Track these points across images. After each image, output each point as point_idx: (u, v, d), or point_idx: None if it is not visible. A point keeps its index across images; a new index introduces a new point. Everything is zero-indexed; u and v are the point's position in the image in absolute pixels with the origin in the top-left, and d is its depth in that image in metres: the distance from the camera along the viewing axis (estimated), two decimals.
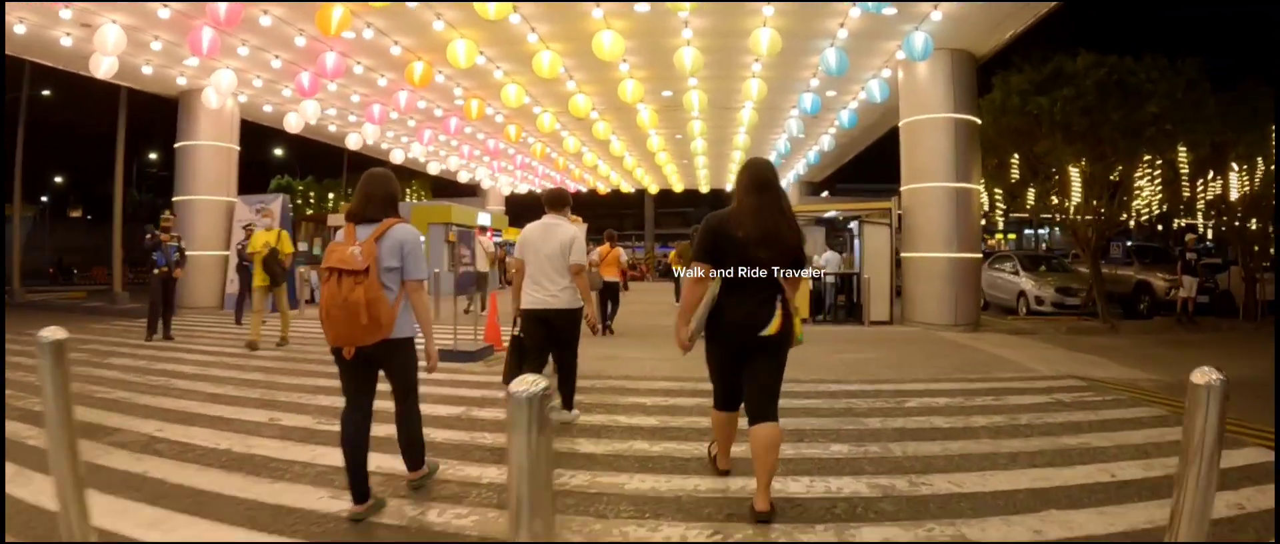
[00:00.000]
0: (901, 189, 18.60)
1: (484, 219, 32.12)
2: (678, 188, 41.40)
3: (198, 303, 21.08)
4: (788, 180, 39.30)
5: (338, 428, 4.93)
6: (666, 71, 18.18)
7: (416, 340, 5.05)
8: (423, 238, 5.25)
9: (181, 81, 20.11)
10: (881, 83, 18.56)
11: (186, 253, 15.00)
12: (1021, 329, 17.45)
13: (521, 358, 6.98)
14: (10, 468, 5.58)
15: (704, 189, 42.44)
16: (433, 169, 33.48)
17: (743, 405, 5.08)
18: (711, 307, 4.92)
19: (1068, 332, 17.17)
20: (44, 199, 58.79)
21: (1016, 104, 18.28)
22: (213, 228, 21.69)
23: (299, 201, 42.95)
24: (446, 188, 43.76)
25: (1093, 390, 9.46)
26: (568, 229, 7.05)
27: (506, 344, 7.52)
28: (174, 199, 21.61)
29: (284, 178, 44.50)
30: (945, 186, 17.43)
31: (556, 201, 7.26)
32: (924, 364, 11.53)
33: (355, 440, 4.82)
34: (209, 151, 21.71)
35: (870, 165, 38.90)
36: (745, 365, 4.98)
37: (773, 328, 4.82)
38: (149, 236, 14.15)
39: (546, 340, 7.07)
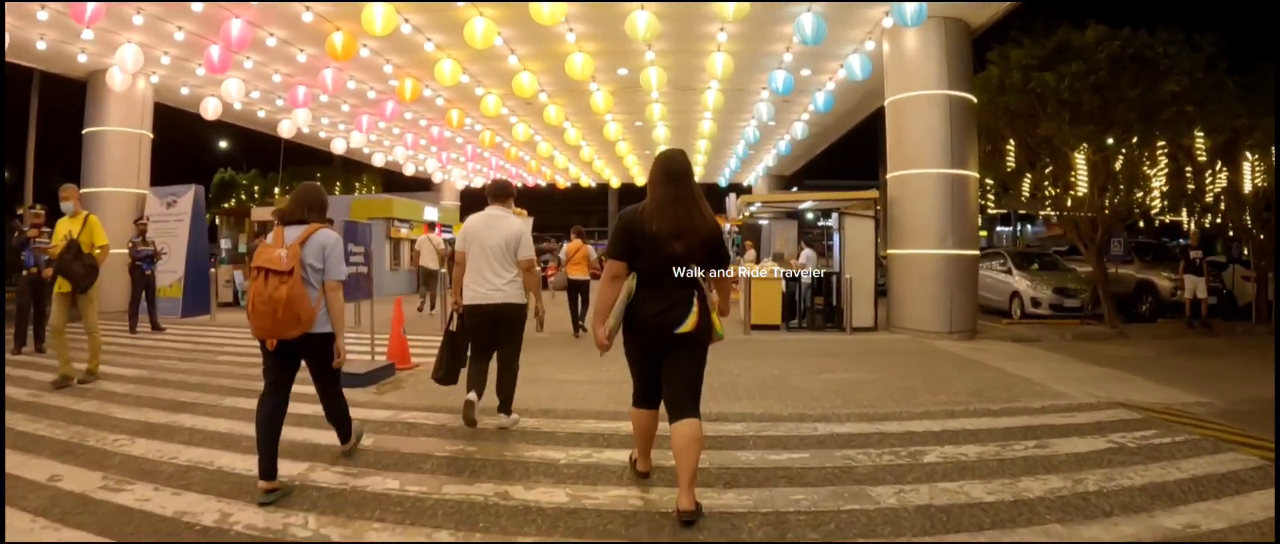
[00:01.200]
0: (887, 177, 16.52)
1: (430, 214, 30.09)
2: (640, 181, 38.95)
3: (112, 305, 18.37)
4: (756, 173, 37.41)
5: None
6: (620, 44, 16.22)
7: None
8: (340, 240, 5.64)
9: (83, 58, 17.99)
10: (863, 58, 16.60)
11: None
12: (1023, 336, 15.50)
13: (455, 355, 7.11)
14: None
15: None
16: (378, 161, 31.46)
17: (662, 405, 5.01)
18: (628, 303, 4.85)
19: (1074, 339, 15.38)
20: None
21: (1017, 81, 16.32)
22: (122, 222, 19.01)
23: (242, 197, 40.83)
24: (399, 182, 41.09)
25: (1150, 425, 7.46)
26: (514, 221, 7.03)
27: (437, 349, 7.41)
28: (82, 190, 18.87)
29: (227, 172, 42.37)
30: (938, 173, 15.33)
31: (501, 193, 7.25)
32: (930, 388, 9.45)
33: (269, 421, 5.27)
34: (118, 138, 19.72)
35: (843, 160, 37.12)
36: (664, 363, 4.92)
37: (688, 325, 4.79)
38: (16, 235, 12.78)
39: (489, 337, 7.01)
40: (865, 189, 18.06)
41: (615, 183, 40.85)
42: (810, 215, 21.56)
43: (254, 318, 5.11)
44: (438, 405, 8.01)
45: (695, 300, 4.83)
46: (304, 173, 41.70)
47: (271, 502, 5.07)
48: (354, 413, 6.40)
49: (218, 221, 25.62)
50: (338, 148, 27.75)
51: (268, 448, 5.20)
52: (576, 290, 15.05)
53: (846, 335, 15.10)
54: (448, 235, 28.97)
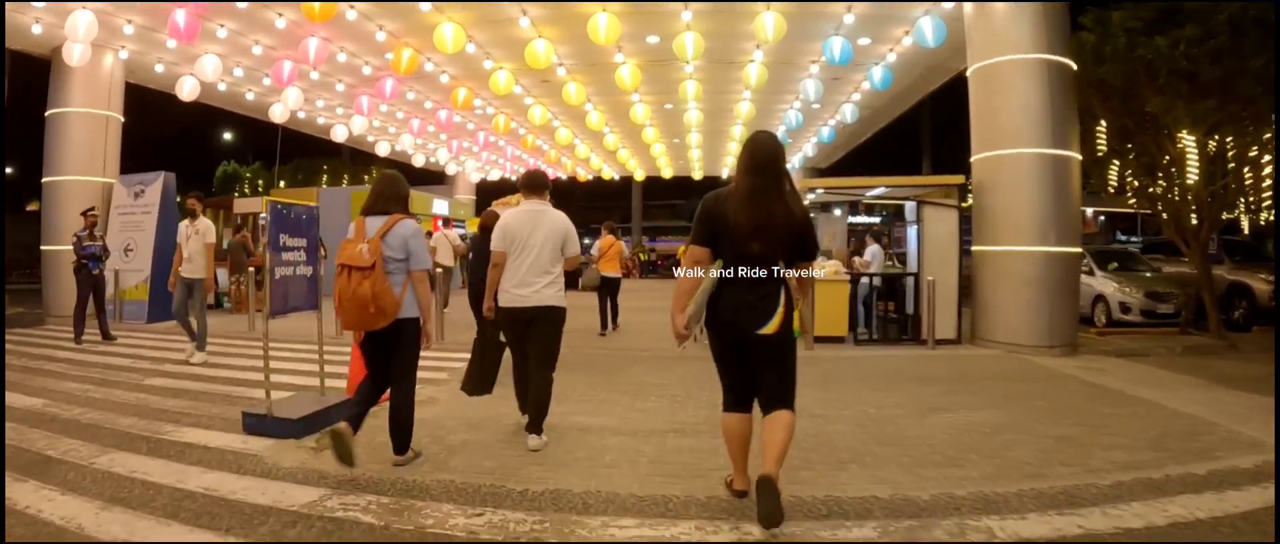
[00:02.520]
0: (972, 159, 13.81)
1: (440, 207, 27.73)
2: (667, 173, 36.55)
3: (65, 310, 16.30)
4: (793, 164, 34.70)
5: None
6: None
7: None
8: (422, 230, 5.83)
9: (37, 30, 15.90)
10: (937, 20, 14.13)
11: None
12: (1128, 350, 12.84)
13: (486, 364, 7.07)
14: None
15: (697, 175, 37.79)
16: (382, 150, 29.18)
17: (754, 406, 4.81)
18: (710, 293, 4.57)
19: (1185, 352, 12.78)
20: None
21: (1120, 47, 13.58)
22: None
23: (246, 190, 38.59)
24: (412, 176, 38.09)
25: None
26: (559, 216, 6.52)
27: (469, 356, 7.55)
28: (43, 180, 17.76)
29: (231, 164, 40.27)
30: (1036, 153, 12.64)
31: (536, 184, 6.71)
32: (1093, 436, 6.85)
33: (366, 394, 5.73)
34: (82, 121, 17.63)
35: (880, 155, 34.26)
36: (751, 360, 4.65)
37: (771, 326, 4.54)
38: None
39: (525, 343, 6.51)
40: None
41: (640, 175, 38.43)
42: (872, 207, 18.96)
43: (342, 314, 5.35)
44: (405, 484, 5.48)
45: (780, 299, 4.57)
46: (311, 166, 39.90)
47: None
48: (250, 485, 5.40)
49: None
50: (338, 135, 25.36)
51: (359, 409, 5.63)
52: (607, 289, 14.52)
53: (929, 351, 12.48)
54: (459, 230, 26.77)
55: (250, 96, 21.69)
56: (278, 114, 21.85)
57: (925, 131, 44.24)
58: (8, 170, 54.66)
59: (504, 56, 17.55)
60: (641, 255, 38.50)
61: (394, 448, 5.78)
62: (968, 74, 14.04)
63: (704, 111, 22.87)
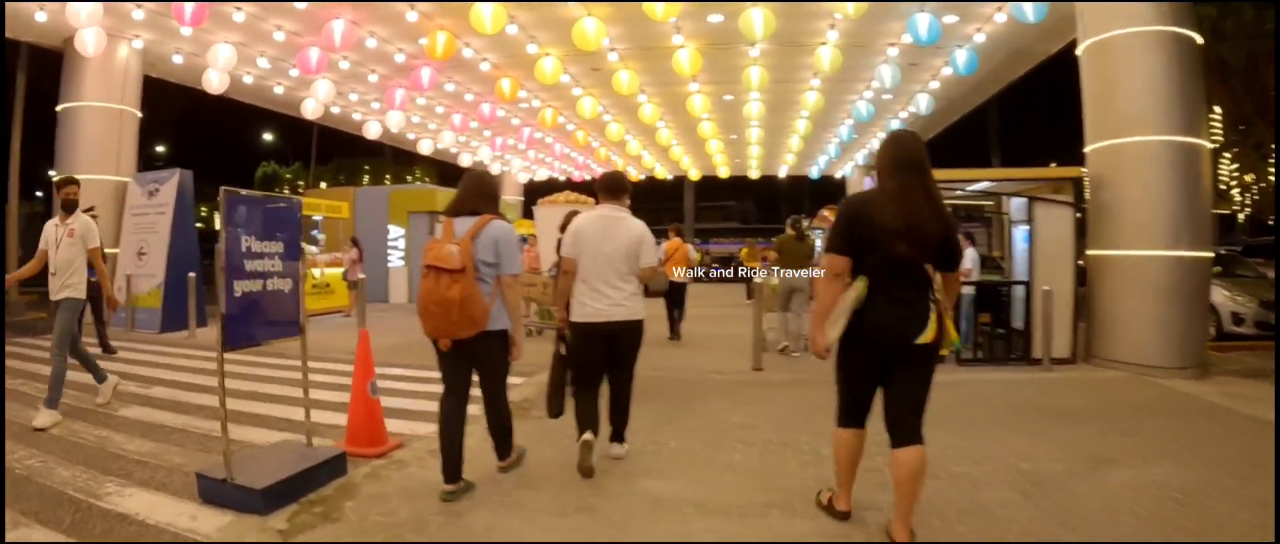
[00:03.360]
0: (1087, 150, 11.92)
1: None
2: (723, 172, 34.70)
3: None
4: (852, 163, 32.88)
5: None
6: None
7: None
8: (514, 231, 5.31)
9: (41, 17, 14.89)
10: None
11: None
12: (1259, 370, 10.96)
13: (566, 381, 6.22)
14: None
15: (754, 174, 35.78)
16: (424, 148, 27.51)
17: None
18: (857, 306, 4.28)
19: None
20: (38, 194, 53.58)
21: (1243, 23, 11.70)
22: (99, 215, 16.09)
23: (284, 191, 37.40)
24: (456, 175, 36.85)
25: None
26: (635, 223, 6.03)
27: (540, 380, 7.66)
28: (53, 177, 16.08)
29: (270, 165, 39.10)
30: (1164, 141, 10.75)
31: (615, 187, 6.15)
32: None
33: (450, 424, 5.32)
34: (95, 115, 16.58)
35: (947, 154, 32.08)
36: (889, 377, 4.42)
37: (928, 334, 4.24)
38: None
39: (599, 361, 6.00)
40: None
41: (695, 174, 36.67)
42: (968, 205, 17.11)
43: (426, 318, 5.04)
44: None
45: (933, 305, 4.28)
46: (352, 166, 38.91)
47: (452, 499, 5.19)
48: None
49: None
50: (372, 132, 24.00)
51: (448, 449, 5.31)
52: (672, 295, 13.89)
53: (1046, 373, 10.58)
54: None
55: (279, 90, 20.38)
56: (310, 109, 20.58)
57: (993, 127, 41.98)
58: (51, 173, 54.64)
59: (550, 40, 16.02)
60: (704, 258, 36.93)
61: (498, 455, 5.74)
62: (1078, 52, 12.18)
63: (766, 103, 21.12)
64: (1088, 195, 11.69)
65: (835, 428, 4.64)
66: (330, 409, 7.99)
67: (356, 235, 19.87)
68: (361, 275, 18.56)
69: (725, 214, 65.45)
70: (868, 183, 34.34)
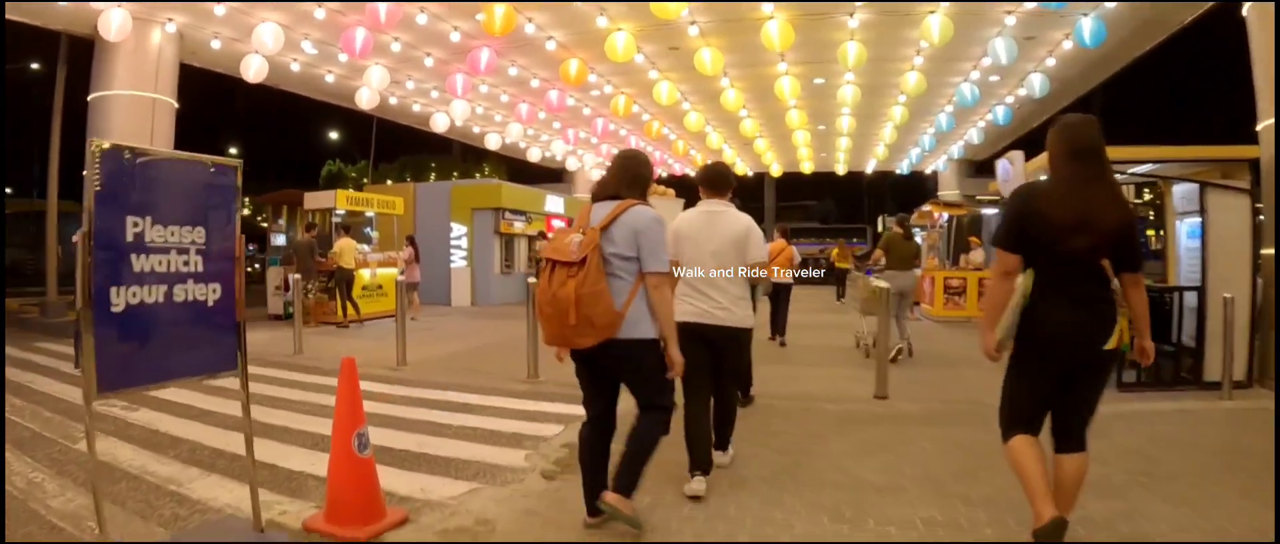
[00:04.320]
0: (1259, 127, 9.87)
1: (554, 204, 24.46)
2: (807, 167, 32.47)
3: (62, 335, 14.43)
4: (943, 159, 30.61)
5: None
6: None
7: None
8: (660, 220, 4.35)
9: (64, 1, 13.96)
10: None
11: None
12: None
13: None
14: None
15: (841, 169, 33.53)
16: (492, 142, 25.95)
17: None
18: (1023, 308, 3.95)
19: None
20: None
21: None
22: None
23: (349, 188, 36.29)
24: (529, 173, 35.50)
25: None
26: (740, 217, 5.56)
27: None
28: (87, 173, 14.37)
29: (335, 164, 37.89)
30: None
31: (717, 181, 5.69)
32: None
33: (588, 456, 4.50)
34: (126, 106, 15.47)
35: (1042, 148, 29.61)
36: (1067, 384, 4.01)
37: (1114, 340, 3.86)
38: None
39: (707, 364, 5.31)
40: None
41: (776, 170, 34.46)
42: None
43: (543, 322, 4.26)
44: None
45: (1117, 307, 3.90)
46: (418, 164, 37.54)
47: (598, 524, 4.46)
48: None
49: (264, 213, 20.55)
50: (439, 125, 22.36)
51: (589, 477, 4.48)
52: (776, 297, 13.08)
53: (1228, 403, 8.28)
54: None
55: (330, 78, 18.95)
56: (365, 99, 19.00)
57: (1095, 111, 38.98)
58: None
59: (621, 13, 14.26)
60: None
61: (617, 485, 4.41)
62: (1244, 12, 10.18)
63: (861, 86, 18.92)
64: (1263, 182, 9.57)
65: (1005, 442, 4.09)
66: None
67: (414, 234, 18.23)
68: (417, 277, 17.30)
69: (805, 213, 63.40)
70: (939, 170, 32.10)
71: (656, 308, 4.29)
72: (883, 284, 11.17)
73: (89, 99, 15.56)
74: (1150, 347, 4.08)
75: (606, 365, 4.35)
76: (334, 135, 42.33)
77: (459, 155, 39.95)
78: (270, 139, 52.64)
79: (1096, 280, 3.91)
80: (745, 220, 5.55)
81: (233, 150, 52.44)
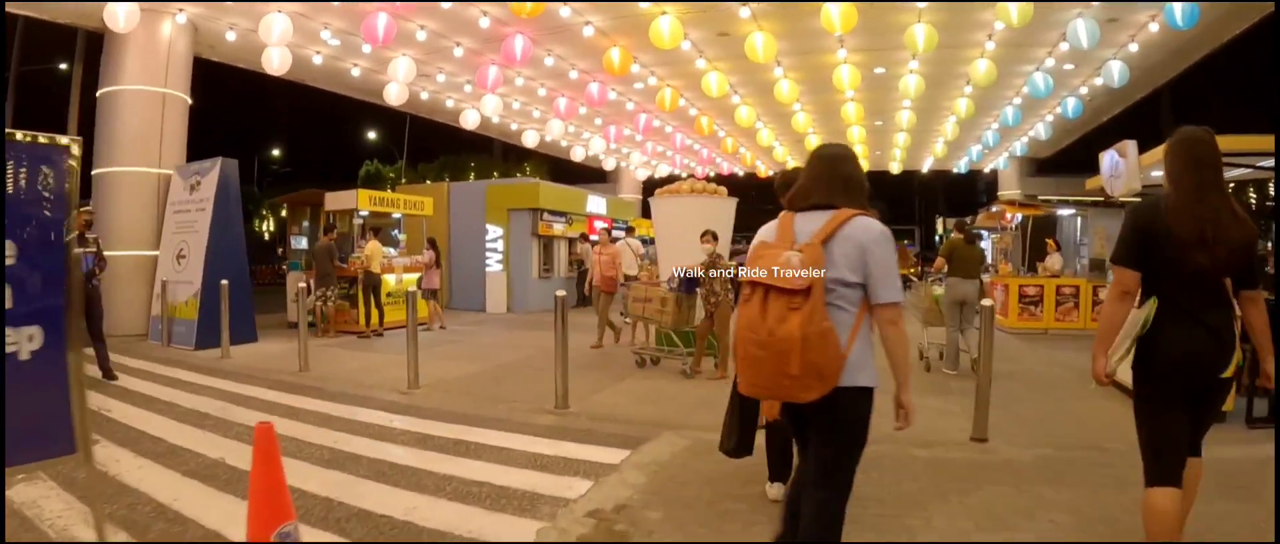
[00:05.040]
0: None
1: (596, 205, 23.12)
2: (866, 165, 30.58)
3: (117, 328, 13.71)
4: (1009, 152, 28.78)
5: None
6: None
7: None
8: (890, 237, 3.36)
9: None
10: None
11: (105, 255, 10.50)
12: None
13: (748, 413, 4.88)
14: None
15: (896, 168, 31.89)
16: (529, 140, 24.69)
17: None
18: (1142, 331, 3.71)
19: None
20: None
21: None
22: (138, 213, 14.55)
23: (388, 190, 35.46)
24: (571, 173, 34.50)
25: None
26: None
27: None
28: (93, 172, 14.63)
29: (373, 164, 37.20)
30: None
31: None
32: None
33: (792, 497, 3.66)
34: (135, 101, 14.68)
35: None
36: (1192, 417, 3.80)
37: (1231, 368, 3.62)
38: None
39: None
40: None
41: None
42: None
43: (745, 366, 3.23)
44: None
45: (1236, 331, 3.69)
46: (458, 163, 36.64)
47: None
48: None
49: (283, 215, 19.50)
50: (470, 121, 21.40)
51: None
52: None
53: None
54: (621, 232, 22.78)
55: (356, 72, 17.97)
56: (393, 95, 17.98)
57: (1165, 115, 37.12)
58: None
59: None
60: None
61: None
62: None
63: (926, 76, 17.35)
64: None
65: (1148, 493, 3.68)
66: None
67: (434, 236, 16.93)
68: (436, 283, 16.08)
69: None
70: (1000, 168, 30.45)
71: (893, 349, 3.34)
72: (936, 291, 10.55)
73: (98, 94, 14.72)
74: (1274, 370, 3.72)
75: (814, 417, 3.34)
76: (372, 135, 41.61)
77: (500, 155, 39.18)
78: (313, 141, 52.25)
79: (1219, 300, 3.67)
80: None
81: (275, 151, 52.02)
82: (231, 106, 47.55)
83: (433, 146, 38.64)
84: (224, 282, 11.86)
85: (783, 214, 3.49)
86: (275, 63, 15.11)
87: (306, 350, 10.57)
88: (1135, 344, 3.73)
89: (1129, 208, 4.18)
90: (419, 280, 15.60)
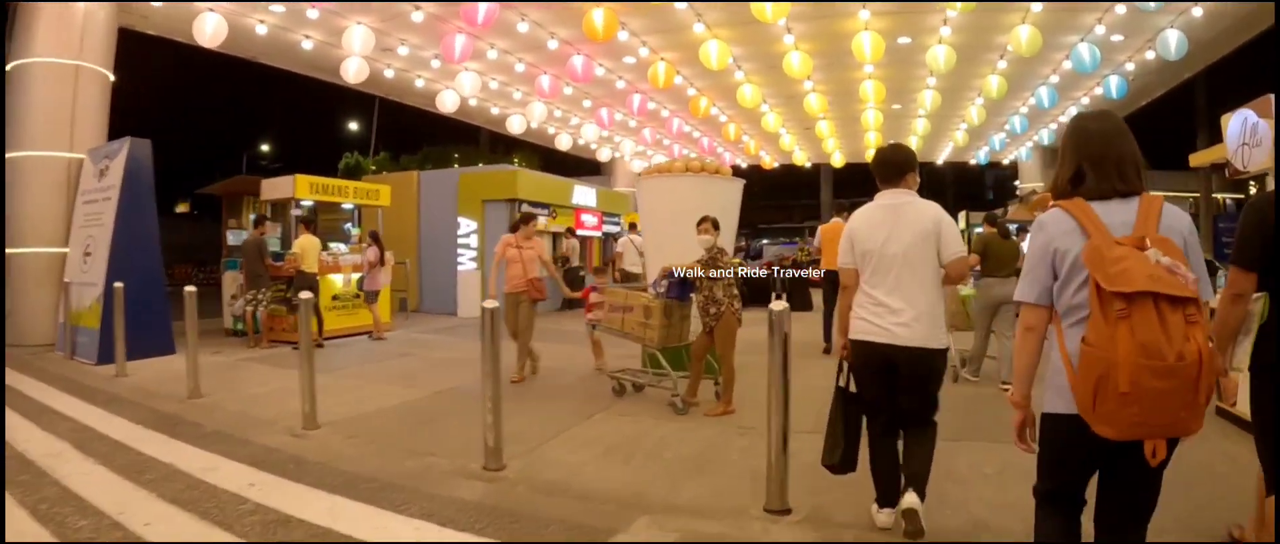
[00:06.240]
0: None
1: (583, 196, 21.12)
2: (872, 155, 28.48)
3: (24, 338, 12.37)
4: (1036, 139, 26.51)
5: None
6: None
7: None
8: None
9: None
10: None
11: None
12: None
13: (851, 426, 4.58)
14: None
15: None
16: (515, 126, 22.57)
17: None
18: (1261, 322, 3.61)
19: None
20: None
21: None
22: (47, 204, 12.67)
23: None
24: (563, 165, 32.50)
25: None
26: (929, 207, 4.50)
27: None
28: (7, 157, 12.64)
29: (353, 156, 35.54)
30: None
31: (895, 166, 4.60)
32: None
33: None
34: (45, 75, 12.76)
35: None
36: None
37: None
38: None
39: (886, 396, 4.48)
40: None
41: (838, 160, 30.32)
42: None
43: (1134, 406, 2.52)
44: None
45: None
46: (441, 155, 34.96)
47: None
48: None
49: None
50: (446, 104, 19.08)
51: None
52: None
53: None
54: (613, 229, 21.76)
55: (308, 45, 15.75)
56: (352, 71, 15.84)
57: (1200, 103, 35.01)
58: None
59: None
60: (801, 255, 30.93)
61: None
62: None
63: (956, 46, 15.13)
64: None
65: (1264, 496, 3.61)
66: None
67: (377, 229, 14.74)
68: (380, 284, 13.97)
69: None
70: (1021, 159, 28.59)
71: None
72: (967, 292, 9.58)
73: (8, 68, 12.84)
74: None
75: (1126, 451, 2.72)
76: (353, 126, 39.82)
77: (487, 146, 37.24)
78: (305, 136, 50.81)
79: None
80: (935, 210, 4.51)
81: (265, 147, 50.53)
82: (220, 97, 46.24)
83: (418, 138, 37.09)
84: (118, 284, 9.88)
85: (1077, 202, 2.91)
86: (208, 32, 13.21)
87: (196, 371, 8.48)
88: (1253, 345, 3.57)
89: (1248, 205, 3.79)
90: (360, 281, 13.55)
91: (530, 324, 9.95)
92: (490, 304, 5.56)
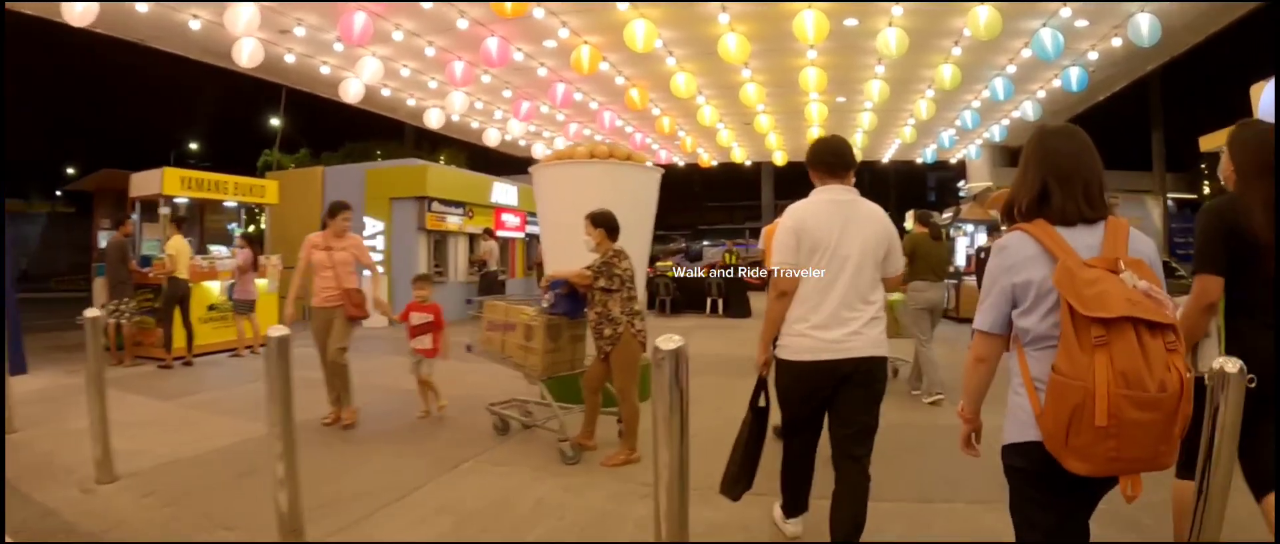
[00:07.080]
0: None
1: (504, 194, 19.89)
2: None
3: None
4: (989, 135, 25.38)
5: None
6: None
7: None
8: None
9: None
10: None
11: None
12: None
13: (755, 448, 4.32)
14: None
15: (857, 156, 28.12)
16: (433, 120, 20.34)
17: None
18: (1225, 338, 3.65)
19: None
20: (58, 193, 52.83)
21: None
22: None
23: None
24: (494, 163, 30.12)
25: None
26: (876, 210, 4.32)
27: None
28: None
29: (272, 153, 34.22)
30: None
31: (837, 160, 4.35)
32: None
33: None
34: None
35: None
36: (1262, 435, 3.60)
37: None
38: None
39: (818, 413, 4.21)
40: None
41: (780, 158, 28.95)
42: None
43: (1110, 440, 2.39)
44: None
45: None
46: (363, 150, 33.93)
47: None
48: None
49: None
50: (350, 93, 17.33)
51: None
52: None
53: None
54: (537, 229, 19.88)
55: (195, 25, 14.03)
56: (245, 53, 14.10)
57: (1155, 105, 34.44)
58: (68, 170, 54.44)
59: None
60: (729, 258, 30.10)
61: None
62: None
63: (909, 29, 13.98)
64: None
65: (1259, 502, 3.55)
66: None
67: (248, 230, 13.45)
68: (253, 293, 12.52)
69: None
70: (970, 157, 27.75)
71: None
72: (896, 298, 9.10)
73: None
74: None
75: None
76: (273, 121, 38.53)
77: (412, 142, 35.93)
78: (236, 132, 49.21)
79: None
80: (882, 213, 4.30)
81: (194, 145, 49.10)
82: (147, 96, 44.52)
83: (340, 133, 36.14)
84: None
85: (1039, 224, 2.75)
86: (77, 10, 11.65)
87: (5, 402, 6.96)
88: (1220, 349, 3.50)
89: (1204, 209, 3.68)
90: (230, 289, 12.09)
91: (336, 347, 8.05)
92: (278, 331, 4.07)
